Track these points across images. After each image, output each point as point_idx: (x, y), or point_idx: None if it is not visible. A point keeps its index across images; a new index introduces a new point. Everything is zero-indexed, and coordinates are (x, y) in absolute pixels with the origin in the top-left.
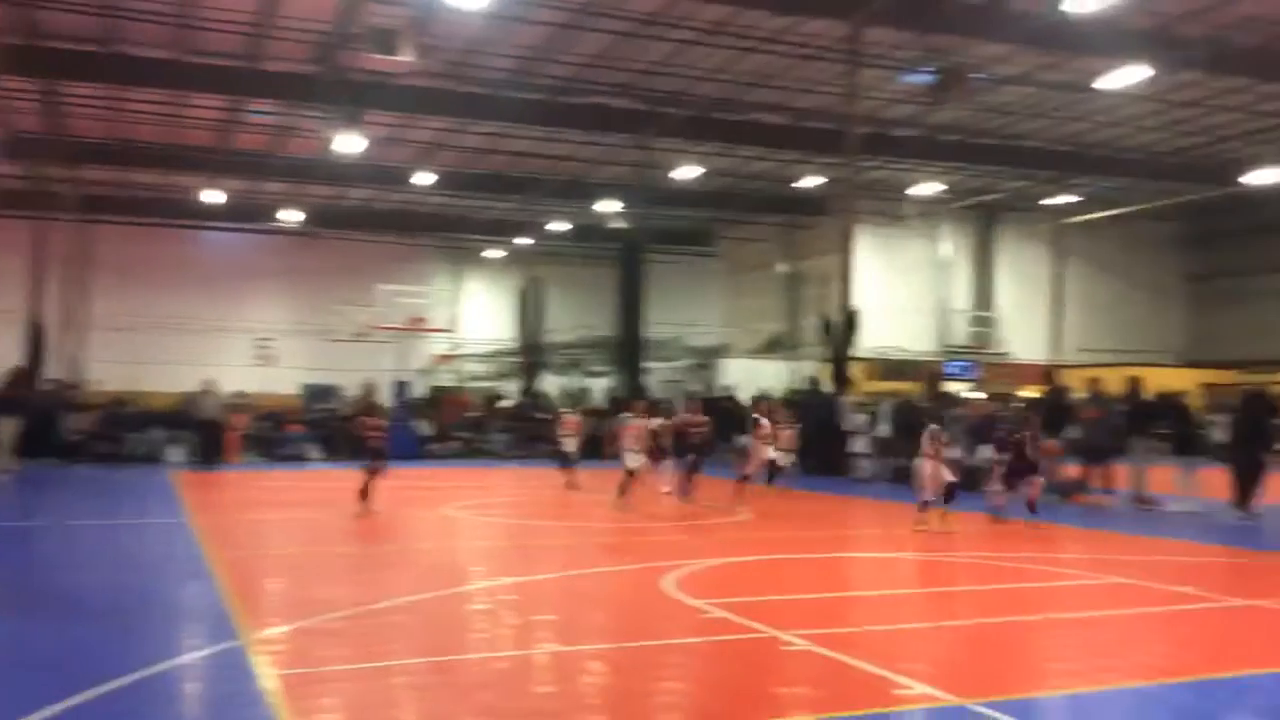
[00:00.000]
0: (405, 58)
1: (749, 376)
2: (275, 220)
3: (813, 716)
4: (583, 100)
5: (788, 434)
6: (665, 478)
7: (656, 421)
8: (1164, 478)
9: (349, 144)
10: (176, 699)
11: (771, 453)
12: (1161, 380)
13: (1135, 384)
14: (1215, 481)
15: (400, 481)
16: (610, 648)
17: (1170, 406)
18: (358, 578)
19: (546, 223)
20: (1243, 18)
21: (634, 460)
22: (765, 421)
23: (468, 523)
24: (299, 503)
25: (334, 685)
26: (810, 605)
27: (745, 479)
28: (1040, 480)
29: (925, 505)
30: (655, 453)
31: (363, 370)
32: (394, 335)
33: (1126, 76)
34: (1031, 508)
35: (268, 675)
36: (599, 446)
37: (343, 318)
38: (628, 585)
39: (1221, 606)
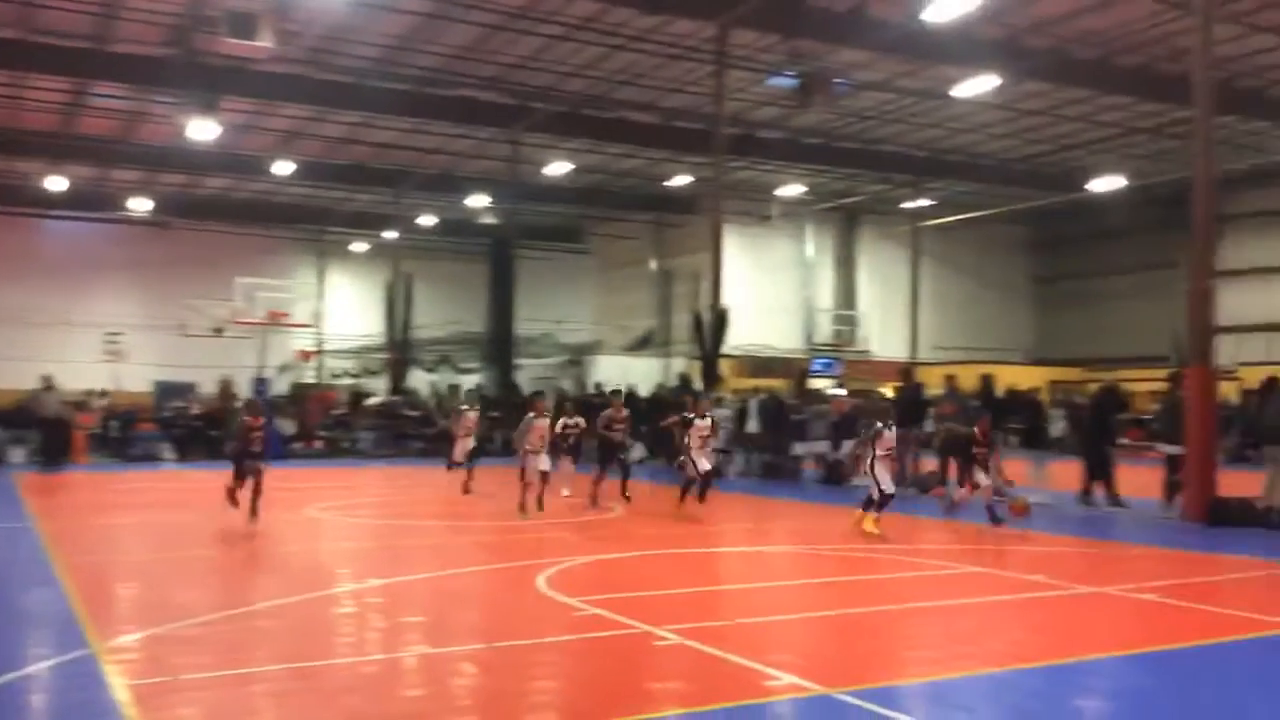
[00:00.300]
0: (264, 43)
1: (621, 373)
2: (125, 209)
3: (684, 711)
4: (450, 93)
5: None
6: (566, 480)
7: (569, 420)
8: (1016, 470)
9: (203, 131)
10: (23, 711)
11: (705, 462)
12: (1012, 377)
13: (987, 380)
14: (1063, 474)
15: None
16: (481, 648)
17: (1021, 402)
18: (216, 582)
19: (415, 216)
20: (1084, 31)
21: (541, 464)
22: (702, 422)
23: (333, 524)
24: (152, 505)
25: (190, 694)
26: (683, 600)
27: (690, 486)
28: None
29: (875, 505)
30: (564, 454)
31: (220, 367)
32: (254, 330)
33: (979, 85)
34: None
35: (120, 685)
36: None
37: (198, 312)
38: (500, 584)
39: (1070, 594)
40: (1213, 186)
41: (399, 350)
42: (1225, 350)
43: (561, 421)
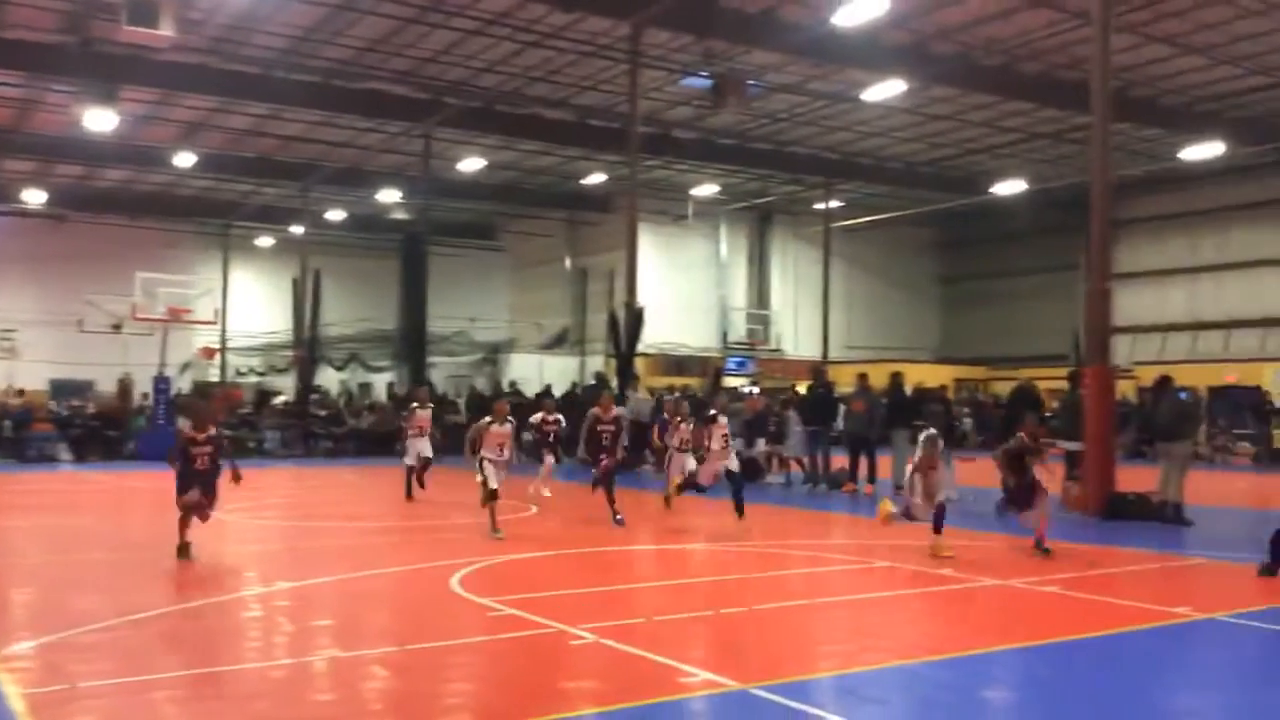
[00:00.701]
0: (165, 31)
1: (536, 372)
2: (18, 201)
3: (600, 709)
4: (360, 86)
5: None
6: (546, 480)
7: (549, 416)
8: None
9: (102, 121)
10: None
11: (692, 462)
12: (920, 375)
13: (897, 378)
14: (970, 470)
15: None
16: (393, 650)
17: (929, 400)
18: (116, 586)
19: (323, 211)
20: (988, 39)
21: (496, 476)
22: (685, 425)
23: (239, 526)
24: (47, 507)
25: (89, 702)
26: (598, 599)
27: (679, 492)
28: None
29: (937, 527)
30: (546, 450)
31: (119, 365)
32: (155, 327)
33: (887, 89)
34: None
35: (14, 694)
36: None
37: (96, 308)
38: (412, 586)
39: (976, 587)
40: (1109, 191)
41: (307, 348)
42: (1122, 350)
43: (541, 417)
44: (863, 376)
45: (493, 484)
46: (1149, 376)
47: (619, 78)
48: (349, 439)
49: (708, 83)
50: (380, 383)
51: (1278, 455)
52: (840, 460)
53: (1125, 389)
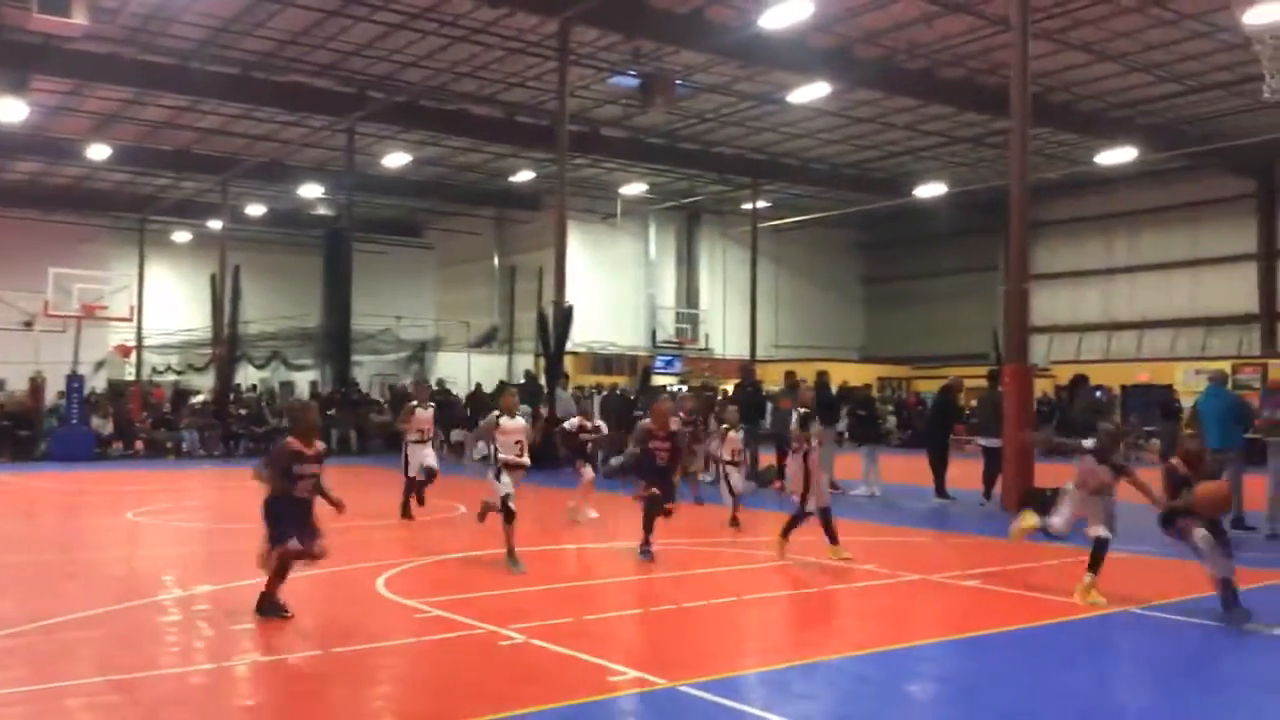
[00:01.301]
0: (78, 19)
1: (464, 370)
2: None
3: (530, 710)
4: (282, 78)
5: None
6: (588, 494)
7: (588, 424)
8: (850, 464)
9: (11, 111)
10: None
11: (737, 477)
12: (845, 374)
13: (823, 377)
14: (894, 467)
15: (77, 485)
16: (318, 654)
17: (854, 398)
18: (28, 591)
19: (243, 206)
20: (910, 43)
21: (511, 485)
22: (734, 434)
23: (156, 529)
24: None
25: (1, 711)
26: (527, 598)
27: (737, 510)
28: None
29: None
30: (583, 461)
31: (31, 363)
32: (68, 324)
33: (812, 91)
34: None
35: None
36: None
37: (7, 304)
38: (336, 588)
39: (899, 582)
40: (1027, 194)
41: (226, 346)
42: (1040, 349)
43: (578, 423)
44: (790, 374)
45: (506, 496)
46: (1066, 375)
47: (547, 75)
48: (270, 439)
49: (636, 82)
50: (303, 381)
51: None
52: (768, 459)
53: (1043, 387)
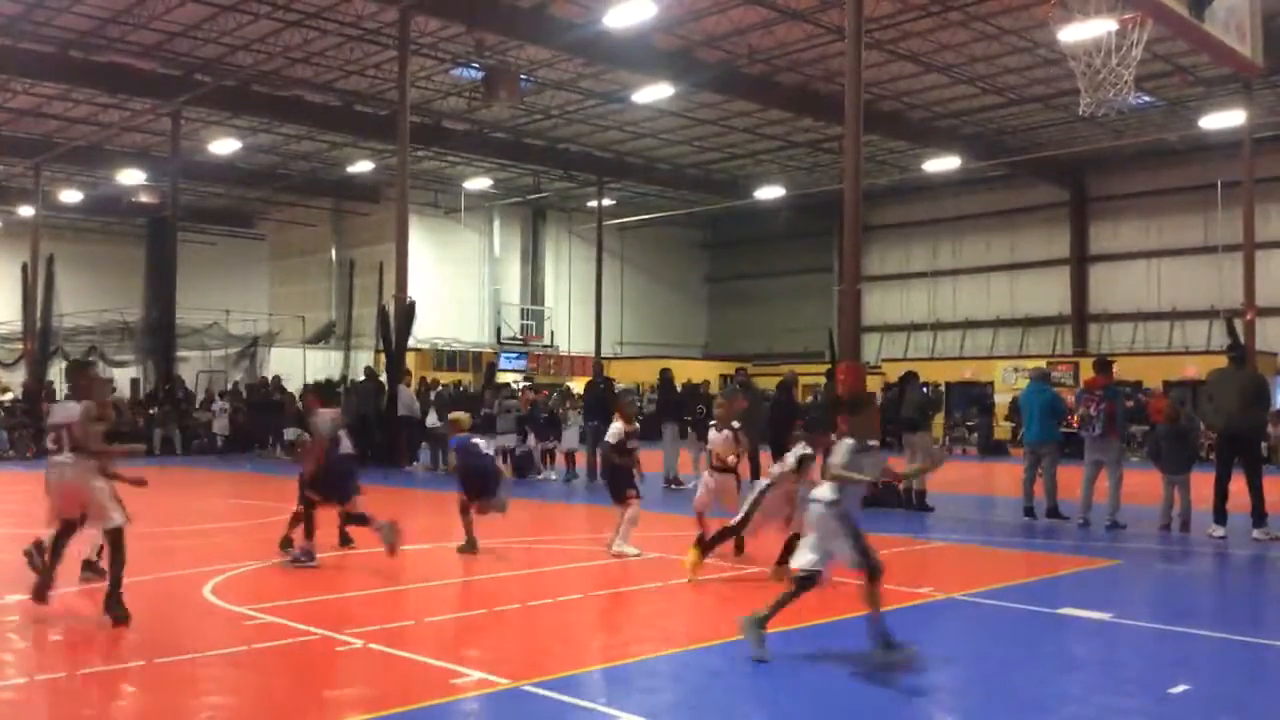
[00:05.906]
0: None
1: (300, 367)
2: None
3: (369, 715)
4: (102, 59)
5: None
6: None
7: (623, 427)
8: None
9: None
10: None
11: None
12: (688, 372)
13: (666, 374)
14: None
15: None
16: (138, 665)
17: (696, 396)
18: None
19: (58, 192)
20: (750, 48)
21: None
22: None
23: None
24: None
25: None
26: (365, 602)
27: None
28: None
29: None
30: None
31: None
32: None
33: (655, 92)
34: None
35: None
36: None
37: None
38: (160, 595)
39: (742, 574)
40: (860, 199)
41: (38, 340)
42: (872, 347)
43: (622, 428)
44: (664, 371)
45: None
46: (895, 372)
47: (387, 64)
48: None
49: (479, 74)
50: (124, 378)
51: (997, 445)
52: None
53: (875, 384)
